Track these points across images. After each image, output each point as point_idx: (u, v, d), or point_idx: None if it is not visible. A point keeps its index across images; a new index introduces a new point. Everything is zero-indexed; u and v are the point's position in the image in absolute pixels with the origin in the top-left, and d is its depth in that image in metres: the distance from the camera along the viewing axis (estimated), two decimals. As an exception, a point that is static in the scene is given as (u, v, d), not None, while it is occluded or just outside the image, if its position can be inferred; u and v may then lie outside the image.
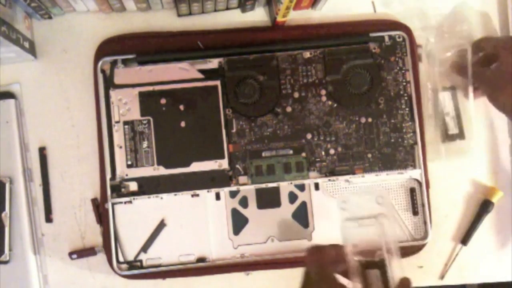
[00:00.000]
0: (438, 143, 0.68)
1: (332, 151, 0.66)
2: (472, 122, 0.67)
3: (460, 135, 0.68)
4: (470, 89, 0.66)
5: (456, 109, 0.68)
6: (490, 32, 0.69)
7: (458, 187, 0.69)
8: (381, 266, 0.51)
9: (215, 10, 0.68)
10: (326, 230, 0.65)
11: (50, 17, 0.67)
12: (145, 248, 0.64)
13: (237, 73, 0.65)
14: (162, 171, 0.65)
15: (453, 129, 0.68)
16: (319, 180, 0.65)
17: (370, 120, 0.66)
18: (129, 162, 0.65)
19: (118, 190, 0.65)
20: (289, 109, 0.66)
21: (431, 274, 0.69)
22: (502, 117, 0.70)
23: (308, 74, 0.66)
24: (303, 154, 0.66)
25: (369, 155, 0.66)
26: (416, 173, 0.66)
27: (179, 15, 0.68)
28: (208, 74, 0.66)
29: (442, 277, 0.69)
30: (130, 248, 0.64)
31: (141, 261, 0.64)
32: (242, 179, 0.65)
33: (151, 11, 0.68)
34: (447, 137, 0.68)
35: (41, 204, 0.67)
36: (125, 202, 0.64)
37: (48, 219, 0.67)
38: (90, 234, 0.67)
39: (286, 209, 0.65)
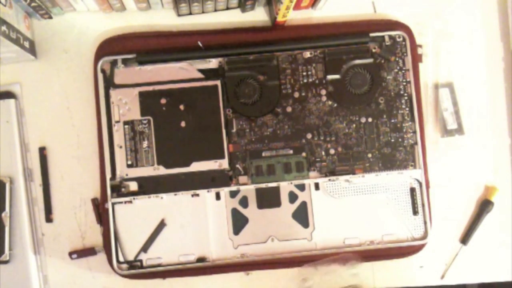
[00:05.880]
0: (437, 137, 0.69)
1: (332, 151, 0.66)
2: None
3: (459, 130, 0.69)
4: None
5: (454, 104, 0.69)
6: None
7: (458, 187, 0.69)
8: None
9: (215, 10, 0.68)
10: (326, 230, 0.65)
11: (50, 17, 0.67)
12: (145, 248, 0.64)
13: (237, 73, 0.65)
14: (162, 171, 0.65)
15: (452, 124, 0.68)
16: (319, 180, 0.65)
17: (370, 120, 0.66)
18: (129, 162, 0.65)
19: (118, 190, 0.64)
20: (289, 109, 0.66)
21: (431, 274, 0.69)
22: (502, 116, 0.70)
23: (308, 74, 0.66)
24: (303, 154, 0.66)
25: (369, 155, 0.66)
26: (416, 173, 0.66)
27: (179, 15, 0.68)
28: (208, 74, 0.66)
29: (442, 277, 0.69)
30: (130, 248, 0.64)
31: (141, 261, 0.64)
32: (242, 179, 0.65)
33: (151, 10, 0.68)
34: (446, 132, 0.69)
35: (41, 204, 0.67)
36: (125, 202, 0.64)
37: (48, 219, 0.67)
38: (90, 234, 0.67)
39: (286, 209, 0.65)
